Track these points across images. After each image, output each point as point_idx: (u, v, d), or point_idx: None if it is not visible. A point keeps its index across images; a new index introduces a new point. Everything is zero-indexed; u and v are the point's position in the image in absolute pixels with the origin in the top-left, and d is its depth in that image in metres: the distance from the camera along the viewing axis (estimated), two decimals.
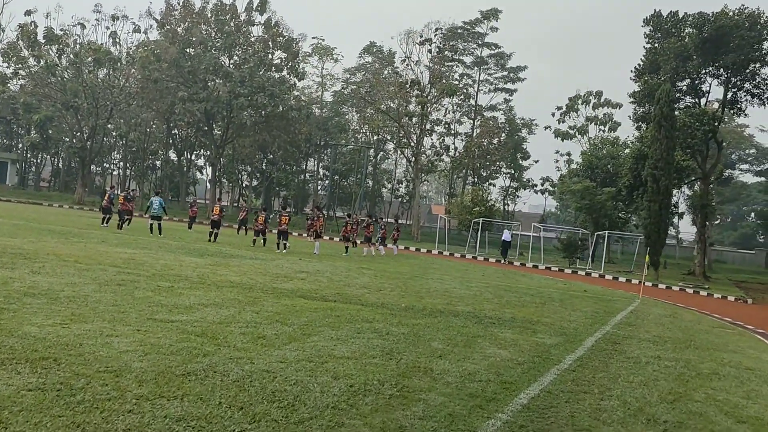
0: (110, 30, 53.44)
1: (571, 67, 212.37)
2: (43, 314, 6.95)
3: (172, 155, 62.76)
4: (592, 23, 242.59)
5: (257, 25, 51.75)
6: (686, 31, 32.43)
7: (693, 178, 37.34)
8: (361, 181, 57.55)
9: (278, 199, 65.73)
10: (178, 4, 50.50)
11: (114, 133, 61.46)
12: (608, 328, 11.22)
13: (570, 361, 7.77)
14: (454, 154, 58.79)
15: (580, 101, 55.43)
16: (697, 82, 33.66)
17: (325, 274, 15.09)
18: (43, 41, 49.88)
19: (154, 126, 61.14)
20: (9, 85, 55.39)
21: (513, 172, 62.36)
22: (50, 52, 50.45)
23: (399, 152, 60.15)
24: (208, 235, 23.88)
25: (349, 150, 60.74)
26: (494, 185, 64.05)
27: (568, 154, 60.09)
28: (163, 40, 49.57)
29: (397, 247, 31.29)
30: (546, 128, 58.75)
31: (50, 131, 57.60)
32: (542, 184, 63.19)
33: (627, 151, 42.75)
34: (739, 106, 33.57)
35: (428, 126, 52.61)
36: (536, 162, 68.11)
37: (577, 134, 56.22)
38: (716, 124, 32.56)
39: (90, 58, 50.74)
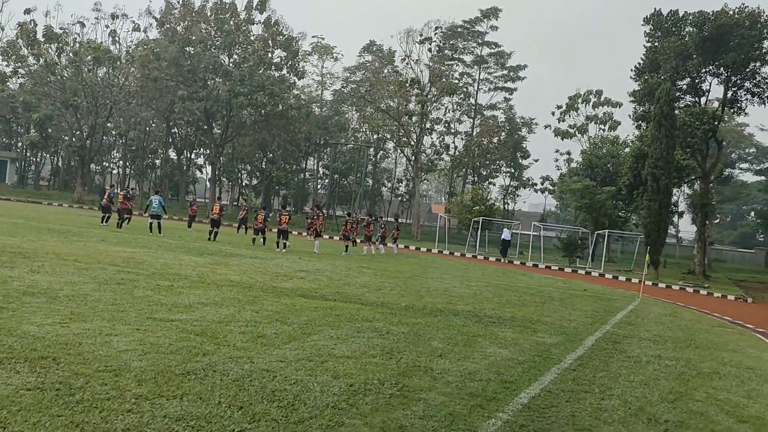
0: (110, 28, 53.41)
1: (571, 66, 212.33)
2: (42, 313, 6.94)
3: (172, 154, 62.74)
4: (592, 22, 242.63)
5: (257, 23, 51.72)
6: (686, 29, 32.40)
7: (693, 177, 37.32)
8: (360, 180, 57.51)
9: (278, 198, 65.71)
10: (178, 2, 50.46)
11: (113, 132, 61.38)
12: (608, 327, 11.21)
13: (570, 361, 7.75)
14: (454, 153, 58.77)
15: (580, 100, 55.40)
16: (697, 81, 33.63)
17: (325, 273, 15.08)
18: (42, 40, 49.82)
19: (153, 125, 61.10)
20: (8, 83, 55.31)
21: (513, 171, 62.34)
22: (50, 50, 50.40)
23: (399, 151, 60.13)
24: (208, 233, 23.86)
25: (349, 149, 60.72)
26: (494, 184, 64.10)
27: (568, 153, 60.10)
28: (163, 38, 49.53)
29: (397, 246, 31.26)
30: (546, 127, 58.77)
31: (50, 130, 57.53)
32: (542, 183, 63.21)
33: (627, 150, 42.72)
34: (739, 105, 33.54)
35: (428, 125, 52.60)
36: (536, 161, 68.24)
37: (577, 133, 56.19)
38: (716, 123, 32.54)
39: (89, 57, 50.67)
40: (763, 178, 60.63)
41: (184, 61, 48.60)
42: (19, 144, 66.82)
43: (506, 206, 63.09)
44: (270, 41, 50.94)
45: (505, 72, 61.56)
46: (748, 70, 31.67)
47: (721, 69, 32.28)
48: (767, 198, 61.15)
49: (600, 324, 11.56)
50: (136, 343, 6.05)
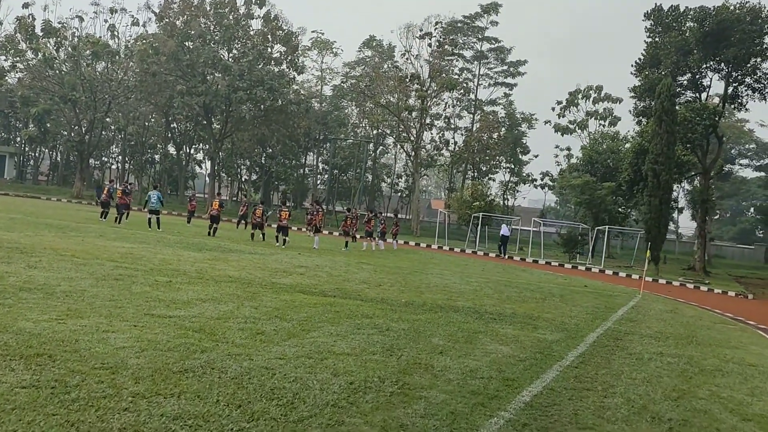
0: (108, 23, 53.16)
1: (571, 61, 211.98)
2: (38, 309, 6.87)
3: (171, 149, 62.65)
4: (592, 18, 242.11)
5: (256, 18, 51.55)
6: (687, 25, 32.31)
7: (693, 173, 37.27)
8: (360, 175, 57.42)
9: (277, 194, 65.64)
10: None
11: (112, 127, 61.22)
12: (609, 324, 11.15)
13: (572, 358, 7.69)
14: (454, 148, 58.68)
15: (580, 96, 55.32)
16: (697, 76, 33.56)
17: (325, 269, 15.01)
18: (40, 34, 49.61)
19: (152, 120, 60.97)
20: (7, 78, 55.16)
21: (513, 166, 62.30)
22: (48, 45, 50.18)
23: (398, 146, 60.09)
24: (208, 228, 23.77)
25: (349, 144, 60.64)
26: (494, 180, 64.05)
27: (568, 148, 60.10)
28: (162, 33, 49.36)
29: (397, 241, 31.21)
30: (546, 123, 58.74)
31: (48, 125, 57.40)
32: (542, 179, 63.22)
33: (627, 145, 42.64)
34: (739, 100, 33.48)
35: (428, 120, 52.50)
36: (536, 157, 67.89)
37: (577, 129, 56.13)
38: (717, 118, 32.46)
39: (88, 51, 50.50)
40: (762, 174, 60.64)
41: (183, 55, 48.44)
42: (18, 139, 66.68)
43: (506, 202, 63.07)
44: (269, 36, 50.77)
45: (505, 67, 61.47)
46: (749, 65, 31.60)
47: (722, 64, 32.21)
48: (767, 194, 61.12)
49: (601, 321, 11.51)
50: (134, 340, 5.98)
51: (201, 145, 63.47)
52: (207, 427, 4.10)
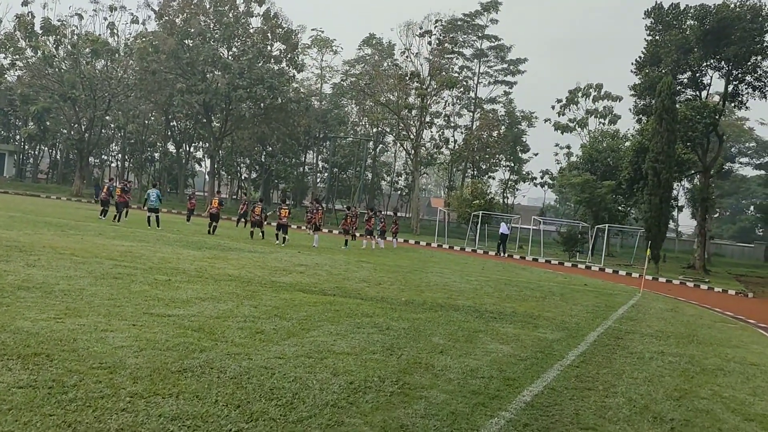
0: (108, 21, 53.16)
1: (571, 59, 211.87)
2: (37, 308, 6.83)
3: (171, 147, 62.62)
4: (592, 17, 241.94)
5: (256, 16, 51.49)
6: (687, 23, 32.26)
7: (693, 172, 37.23)
8: (360, 173, 57.38)
9: (277, 192, 65.64)
10: None
11: (112, 125, 61.17)
12: (610, 323, 11.11)
13: (573, 357, 7.65)
14: (454, 146, 58.65)
15: (580, 94, 55.28)
16: (698, 74, 33.51)
17: (324, 268, 14.97)
18: (40, 32, 49.54)
19: (152, 118, 60.92)
20: (6, 76, 55.07)
21: (512, 165, 62.30)
22: (47, 42, 50.11)
23: (398, 145, 60.04)
24: (208, 227, 23.72)
25: (349, 142, 60.59)
26: (494, 178, 64.10)
27: (568, 147, 60.09)
28: (162, 31, 49.28)
29: (397, 240, 31.18)
30: (546, 121, 58.69)
31: (48, 123, 57.31)
32: (542, 177, 63.20)
33: (627, 144, 42.62)
34: (740, 99, 33.44)
35: (428, 118, 52.46)
36: (536, 155, 68.08)
37: (577, 127, 56.10)
38: (717, 117, 32.42)
39: (87, 49, 50.42)
40: (762, 172, 60.60)
41: (183, 53, 48.38)
42: (17, 137, 66.60)
43: (506, 200, 63.05)
44: (269, 34, 50.70)
45: (505, 65, 61.45)
46: (749, 63, 31.56)
47: (722, 63, 32.18)
48: (767, 192, 61.11)
49: (601, 319, 11.47)
50: (132, 340, 5.94)
51: (201, 143, 63.44)
52: (205, 428, 4.06)
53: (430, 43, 50.58)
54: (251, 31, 51.07)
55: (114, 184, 28.96)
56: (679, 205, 55.38)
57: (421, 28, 50.81)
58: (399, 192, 68.92)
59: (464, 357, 6.89)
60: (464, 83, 57.30)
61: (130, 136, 61.64)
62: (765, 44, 30.97)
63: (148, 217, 23.30)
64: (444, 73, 50.17)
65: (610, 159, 42.28)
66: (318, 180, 68.13)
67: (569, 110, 56.24)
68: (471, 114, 61.14)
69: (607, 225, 35.82)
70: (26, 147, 67.78)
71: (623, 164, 36.59)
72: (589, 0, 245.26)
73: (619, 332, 10.16)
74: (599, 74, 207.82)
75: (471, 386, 5.72)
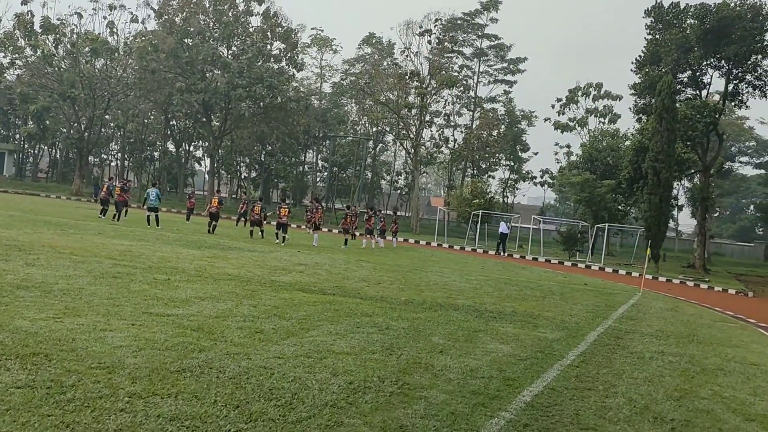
0: (107, 20, 53.08)
1: (571, 58, 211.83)
2: (35, 308, 6.81)
3: (171, 146, 62.57)
4: (592, 16, 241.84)
5: (256, 15, 51.45)
6: (688, 22, 32.24)
7: (693, 171, 37.22)
8: (360, 172, 57.36)
9: (277, 191, 65.62)
10: None
11: (111, 124, 61.15)
12: (610, 323, 11.10)
13: (573, 357, 7.63)
14: (454, 145, 58.63)
15: (580, 93, 55.27)
16: (698, 73, 33.48)
17: (324, 267, 14.95)
18: (39, 31, 49.49)
19: (152, 117, 60.87)
20: (6, 75, 55.02)
21: (512, 164, 62.27)
22: (47, 41, 50.05)
23: (398, 144, 60.01)
24: (207, 226, 23.70)
25: (348, 142, 60.56)
26: (493, 177, 64.09)
27: (568, 146, 60.07)
28: (161, 30, 49.24)
29: (396, 239, 31.16)
30: (546, 120, 58.66)
31: (47, 122, 57.29)
32: (542, 177, 63.15)
33: (627, 143, 42.61)
34: (740, 98, 33.43)
35: (427, 118, 52.43)
36: (536, 154, 68.15)
37: (576, 126, 56.08)
38: (717, 116, 32.39)
39: (87, 48, 50.37)
40: (762, 171, 60.59)
41: (183, 52, 48.34)
42: (17, 136, 66.56)
43: (505, 199, 63.03)
44: (269, 33, 50.66)
45: (505, 65, 61.39)
46: (749, 62, 31.54)
47: (723, 62, 32.15)
48: (767, 191, 61.09)
49: (601, 319, 11.46)
50: (131, 339, 5.92)
51: (200, 142, 63.37)
52: (204, 428, 4.04)
53: (429, 42, 50.56)
54: (251, 30, 51.04)
55: (114, 183, 28.95)
56: (679, 204, 55.39)
57: (420, 27, 50.82)
58: (399, 191, 68.91)
59: (464, 357, 6.87)
60: (464, 82, 57.27)
61: (129, 135, 61.59)
62: (765, 43, 30.94)
63: (148, 216, 23.28)
64: (444, 72, 50.14)
65: (609, 158, 42.27)
66: (318, 179, 68.11)
67: (569, 109, 56.28)
68: (471, 113, 61.14)
69: (606, 224, 35.82)
70: (26, 146, 67.74)
71: (623, 163, 36.58)
72: None
73: (619, 332, 10.14)
74: (599, 73, 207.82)
75: (471, 386, 5.70)
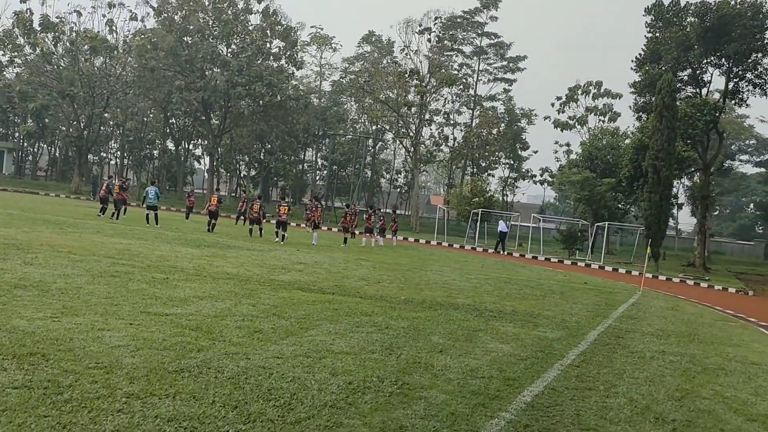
0: (107, 18, 52.98)
1: (570, 57, 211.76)
2: (33, 307, 6.77)
3: (170, 145, 62.52)
4: (592, 14, 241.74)
5: (255, 13, 51.41)
6: (688, 20, 32.15)
7: (693, 169, 37.17)
8: (359, 171, 57.32)
9: (276, 189, 65.61)
10: None
11: (111, 123, 61.09)
12: (610, 322, 11.06)
13: (573, 356, 7.60)
14: (453, 144, 58.59)
15: (579, 91, 55.24)
16: (698, 72, 33.40)
17: (323, 266, 14.92)
18: (38, 29, 49.38)
19: (151, 115, 60.83)
20: (5, 73, 54.94)
21: (512, 162, 62.23)
22: (46, 39, 49.95)
23: (398, 142, 59.96)
24: (207, 224, 23.67)
25: (348, 140, 60.52)
26: (493, 176, 64.06)
27: (568, 144, 60.04)
28: (160, 28, 49.17)
29: (396, 238, 31.13)
30: (545, 119, 58.61)
31: (46, 120, 57.21)
32: (541, 175, 63.11)
33: (627, 141, 42.59)
34: (740, 96, 33.31)
35: (427, 116, 52.39)
36: (535, 152, 67.92)
37: (576, 125, 56.05)
38: (717, 114, 32.33)
39: (86, 46, 50.31)
40: (762, 169, 60.54)
41: (182, 50, 48.28)
42: (16, 134, 66.49)
43: (505, 198, 63.00)
44: (268, 31, 50.62)
45: (505, 63, 61.33)
46: (749, 60, 31.44)
47: (723, 60, 32.07)
48: (767, 190, 61.07)
49: (602, 318, 11.42)
50: (129, 339, 5.88)
51: (200, 140, 63.34)
52: (202, 429, 4.01)
53: (429, 40, 50.53)
54: (250, 28, 50.97)
55: (113, 182, 28.93)
56: (679, 202, 55.36)
57: (420, 26, 50.76)
58: (398, 190, 68.87)
59: (464, 356, 6.83)
60: (464, 80, 57.20)
61: (128, 134, 61.55)
62: (765, 41, 30.84)
63: (147, 214, 23.26)
64: (443, 70, 50.09)
65: (609, 156, 42.23)
66: (317, 177, 68.08)
67: (569, 108, 56.26)
68: (470, 111, 61.08)
69: (606, 223, 35.81)
70: (25, 144, 67.68)
71: (623, 162, 36.53)
72: None
73: (619, 331, 10.11)
74: (599, 71, 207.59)
75: (471, 386, 5.67)
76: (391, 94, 50.33)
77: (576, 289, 16.58)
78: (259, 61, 49.40)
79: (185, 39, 48.91)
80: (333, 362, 5.91)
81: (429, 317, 9.15)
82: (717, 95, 36.80)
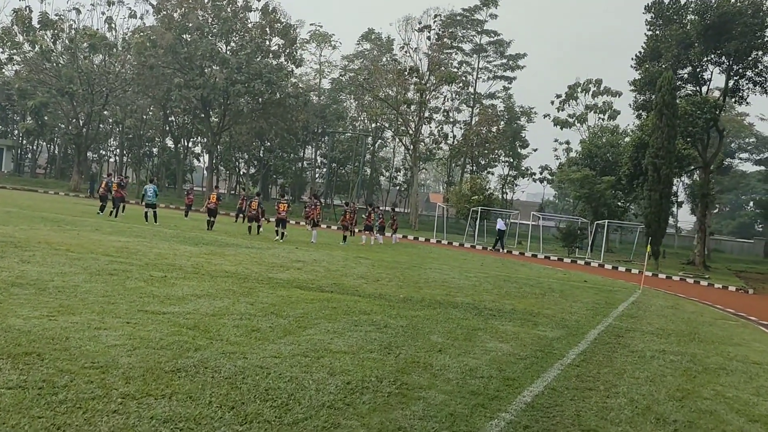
0: (106, 15, 52.77)
1: (570, 55, 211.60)
2: (29, 306, 6.73)
3: (169, 142, 62.44)
4: (592, 12, 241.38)
5: (254, 10, 51.24)
6: (688, 17, 32.07)
7: (693, 167, 37.12)
8: (358, 169, 57.26)
9: (275, 187, 65.55)
10: None
11: (110, 120, 60.94)
12: (610, 320, 11.01)
13: (573, 356, 7.55)
14: (453, 142, 58.50)
15: (579, 89, 55.17)
16: (698, 69, 33.33)
17: (322, 264, 14.87)
18: (37, 26, 49.19)
19: (150, 113, 60.73)
20: (4, 70, 54.79)
21: (511, 160, 62.13)
22: (45, 37, 49.76)
23: (397, 140, 59.88)
24: (207, 223, 23.59)
25: (347, 138, 60.44)
26: (493, 174, 63.99)
27: (567, 142, 59.96)
28: (160, 25, 49.04)
29: (397, 236, 31.07)
30: (545, 116, 58.52)
31: (46, 117, 57.04)
32: (541, 173, 63.02)
33: (627, 139, 42.53)
34: (740, 94, 33.25)
35: (427, 114, 52.28)
36: (535, 150, 67.94)
37: (576, 122, 55.99)
38: (717, 112, 32.27)
39: (85, 44, 50.10)
40: (762, 168, 60.50)
41: (181, 48, 48.17)
42: (15, 131, 66.36)
43: (505, 196, 62.94)
44: (267, 29, 50.47)
45: (504, 61, 61.23)
46: (750, 58, 31.37)
47: (723, 57, 31.99)
48: (766, 188, 61.04)
49: (602, 317, 11.38)
50: (126, 338, 5.83)
51: (199, 138, 63.19)
52: (198, 431, 3.96)
53: (429, 38, 50.42)
54: (249, 25, 50.83)
55: (112, 180, 28.87)
56: (679, 200, 55.32)
57: (420, 23, 50.64)
58: (398, 187, 68.81)
59: (463, 356, 6.79)
60: (463, 78, 57.11)
61: (128, 131, 61.43)
62: (766, 39, 30.74)
63: (146, 212, 23.20)
64: (443, 68, 49.98)
65: (609, 154, 42.18)
66: (316, 175, 68.01)
67: (568, 106, 56.18)
68: (470, 109, 60.99)
69: (606, 221, 35.76)
70: (24, 142, 67.55)
71: (623, 160, 36.48)
72: None
73: (619, 330, 10.06)
74: (599, 69, 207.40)
75: (470, 386, 5.62)
76: (390, 92, 50.24)
77: (576, 288, 16.53)
78: (258, 59, 49.29)
79: (184, 36, 48.79)
80: (331, 362, 5.86)
81: (428, 316, 9.10)
82: (717, 93, 36.73)
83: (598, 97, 54.75)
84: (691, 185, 47.28)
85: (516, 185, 65.53)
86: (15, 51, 51.70)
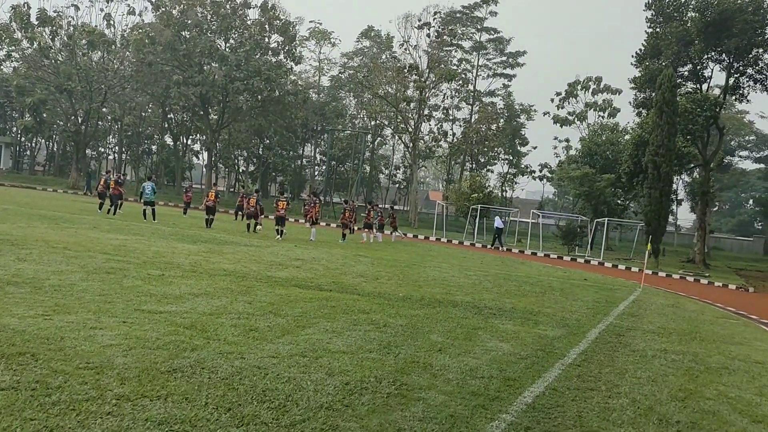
0: (104, 12, 52.65)
1: (570, 52, 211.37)
2: (25, 305, 6.65)
3: (168, 140, 62.32)
4: (592, 9, 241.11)
5: (253, 8, 51.10)
6: (689, 15, 31.96)
7: (693, 165, 37.05)
8: (358, 166, 57.16)
9: (275, 185, 65.47)
10: None
11: (109, 117, 60.85)
12: (611, 319, 10.94)
13: (574, 355, 7.48)
14: (452, 139, 58.40)
15: (579, 87, 55.08)
16: (699, 67, 33.24)
17: (321, 262, 14.79)
18: (36, 23, 49.09)
19: (149, 110, 60.61)
20: (2, 67, 54.66)
21: (511, 158, 62.04)
22: (43, 34, 49.64)
23: (397, 138, 59.78)
24: (205, 222, 23.49)
25: (347, 135, 60.35)
26: (492, 171, 63.87)
27: (567, 140, 59.95)
28: (158, 22, 48.92)
29: (396, 233, 30.99)
30: (545, 114, 58.48)
31: (44, 115, 56.95)
32: (541, 171, 62.97)
33: (627, 137, 42.43)
34: (741, 91, 33.17)
35: (426, 111, 52.18)
36: (535, 148, 67.86)
37: (576, 120, 55.91)
38: (718, 110, 32.19)
39: (84, 41, 50.00)
40: (762, 165, 60.46)
41: (180, 45, 48.06)
42: (14, 129, 66.24)
43: (504, 194, 62.86)
44: (266, 26, 50.35)
45: (504, 58, 61.13)
46: (750, 56, 31.28)
47: (724, 55, 31.90)
48: (766, 186, 60.99)
49: (602, 316, 11.30)
50: (122, 338, 5.76)
51: (198, 135, 63.12)
52: None
53: (428, 35, 50.27)
54: (248, 22, 50.71)
55: (110, 177, 28.78)
56: (679, 198, 55.26)
57: (419, 21, 50.50)
58: (397, 185, 68.73)
59: (463, 356, 6.71)
60: (463, 76, 56.98)
61: (126, 129, 61.33)
62: (766, 36, 30.68)
63: (144, 210, 23.12)
64: (443, 65, 49.86)
65: (609, 152, 42.09)
66: (316, 173, 67.92)
67: (568, 103, 56.10)
68: (470, 107, 60.91)
69: (606, 218, 35.69)
70: (23, 139, 67.47)
71: (623, 157, 36.39)
72: None
73: (620, 329, 9.99)
74: (599, 67, 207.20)
75: (470, 387, 5.55)
76: (390, 90, 50.12)
77: (576, 286, 16.46)
78: (257, 56, 49.18)
79: (183, 33, 48.68)
80: (330, 362, 5.79)
81: (427, 315, 9.02)
82: (717, 91, 36.65)
83: (598, 95, 54.70)
84: (691, 183, 47.21)
85: (516, 183, 65.48)
86: (13, 48, 51.61)
